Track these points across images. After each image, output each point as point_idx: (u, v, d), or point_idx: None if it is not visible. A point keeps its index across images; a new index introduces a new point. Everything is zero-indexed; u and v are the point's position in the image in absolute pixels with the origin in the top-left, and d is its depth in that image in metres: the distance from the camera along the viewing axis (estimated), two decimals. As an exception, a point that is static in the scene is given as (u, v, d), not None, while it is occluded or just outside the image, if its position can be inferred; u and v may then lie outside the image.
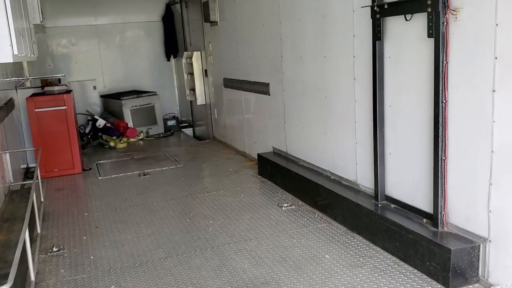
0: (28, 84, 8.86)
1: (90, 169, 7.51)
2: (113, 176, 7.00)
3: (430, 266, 3.42)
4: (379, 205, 4.17)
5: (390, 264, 3.71)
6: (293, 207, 5.11)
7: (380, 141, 4.12)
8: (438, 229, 3.55)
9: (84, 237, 4.73)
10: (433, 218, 3.59)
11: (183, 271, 3.86)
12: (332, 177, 5.03)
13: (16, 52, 3.36)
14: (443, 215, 3.54)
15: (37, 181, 5.03)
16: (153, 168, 7.21)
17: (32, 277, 3.73)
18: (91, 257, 4.26)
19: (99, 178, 6.96)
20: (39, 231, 4.70)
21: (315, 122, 5.26)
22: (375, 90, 4.06)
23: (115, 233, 4.79)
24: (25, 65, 9.71)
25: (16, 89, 7.68)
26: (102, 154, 8.60)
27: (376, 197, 4.24)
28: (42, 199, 5.68)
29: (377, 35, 3.96)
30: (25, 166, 7.32)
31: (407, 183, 3.94)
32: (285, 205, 5.16)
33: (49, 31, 9.97)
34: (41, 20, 7.32)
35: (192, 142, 9.45)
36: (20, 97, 7.58)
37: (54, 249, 4.45)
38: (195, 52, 9.06)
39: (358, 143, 4.54)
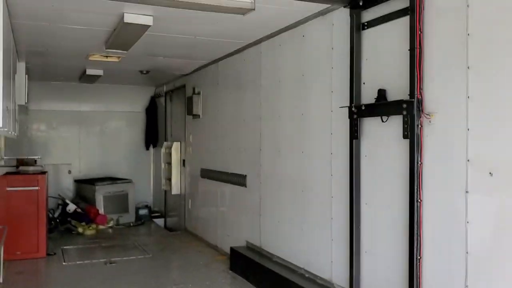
0: (2, 163, 8.74)
1: (55, 253, 7.19)
2: (78, 262, 6.71)
3: None
4: (354, 306, 4.06)
5: None
6: (264, 304, 4.93)
7: (356, 238, 4.12)
8: (414, 332, 3.44)
9: (40, 326, 4.41)
10: (410, 320, 3.50)
11: None
12: (307, 275, 4.92)
13: (0, 125, 3.37)
14: (420, 317, 3.45)
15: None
16: (120, 257, 6.95)
17: None
18: None
19: (63, 263, 6.65)
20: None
21: (291, 216, 5.25)
22: (352, 187, 4.14)
23: (73, 323, 4.49)
24: (1, 145, 9.65)
25: (-11, 167, 7.56)
26: (69, 239, 8.29)
27: (351, 296, 4.14)
28: (1, 280, 5.34)
29: (354, 134, 4.12)
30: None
31: (382, 283, 3.88)
32: (257, 302, 4.98)
33: (31, 113, 10.03)
34: (26, 102, 7.41)
35: (163, 232, 9.24)
36: (-6, 175, 7.42)
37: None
38: (175, 143, 9.19)
39: (334, 240, 4.52)
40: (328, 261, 4.59)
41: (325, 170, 4.62)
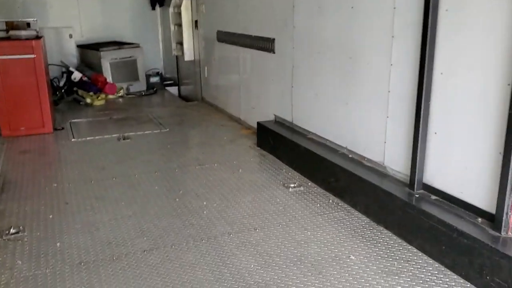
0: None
1: (63, 128, 6.57)
2: (88, 138, 6.09)
3: (492, 282, 2.69)
4: (416, 195, 3.41)
5: (434, 272, 2.97)
6: (301, 188, 4.33)
7: (424, 116, 3.31)
8: (501, 233, 2.81)
9: (51, 216, 3.87)
10: (495, 219, 2.84)
11: (172, 270, 3.06)
12: (350, 156, 4.23)
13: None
14: (510, 216, 2.79)
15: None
16: (134, 131, 6.30)
17: (-23, 273, 2.90)
18: (58, 243, 3.42)
19: (72, 140, 6.03)
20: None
21: (333, 88, 4.41)
22: (424, 52, 3.22)
23: (88, 212, 3.94)
24: (-10, 5, 8.57)
25: (-24, 32, 6.62)
26: (77, 111, 7.64)
27: (411, 184, 3.47)
28: (-1, 167, 4.75)
29: (434, -20, 3.09)
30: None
31: (457, 171, 3.16)
32: (292, 185, 4.38)
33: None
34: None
35: (178, 103, 8.52)
36: (-19, 41, 6.50)
37: (12, 230, 3.59)
38: (184, 0, 8.00)
39: (390, 117, 3.72)
40: (381, 141, 3.85)
41: (384, 30, 3.64)
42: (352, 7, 3.99)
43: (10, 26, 6.77)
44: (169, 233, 3.55)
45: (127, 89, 8.87)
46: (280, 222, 3.67)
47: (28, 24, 7.09)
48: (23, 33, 6.36)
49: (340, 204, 3.97)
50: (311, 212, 3.84)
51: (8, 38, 6.33)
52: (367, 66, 3.92)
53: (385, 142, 3.82)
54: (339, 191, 4.07)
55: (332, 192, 4.16)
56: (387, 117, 3.75)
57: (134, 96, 8.79)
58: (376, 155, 3.93)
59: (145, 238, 3.49)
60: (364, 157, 4.08)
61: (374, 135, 3.92)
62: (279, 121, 5.50)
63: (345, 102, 4.24)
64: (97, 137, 6.11)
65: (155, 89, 9.19)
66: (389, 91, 3.70)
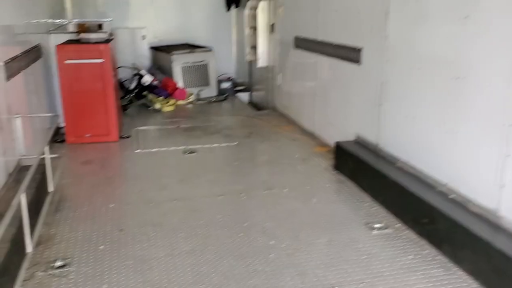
0: (71, 28, 7.67)
1: (129, 137, 6.27)
2: (153, 150, 5.72)
3: None
4: (546, 263, 2.64)
5: None
6: (388, 230, 3.63)
7: None
8: None
9: (102, 247, 3.47)
10: None
11: (231, 338, 2.52)
12: (452, 196, 3.49)
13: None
14: None
15: (42, 156, 3.72)
16: (201, 144, 5.87)
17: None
18: (104, 286, 2.99)
19: (137, 151, 5.69)
20: (29, 249, 3.31)
21: (433, 111, 3.68)
22: None
23: (143, 244, 3.50)
24: (68, 5, 8.54)
25: (49, 34, 6.48)
26: (145, 117, 7.35)
27: (538, 247, 2.70)
28: (52, 188, 4.39)
29: None
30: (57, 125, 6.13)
31: None
32: (377, 225, 3.69)
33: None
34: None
35: (248, 111, 7.96)
36: (54, 43, 6.34)
37: (58, 263, 3.23)
38: (261, 2, 7.47)
39: (511, 156, 2.95)
40: (495, 183, 3.09)
41: (507, 47, 2.88)
42: (466, 17, 3.24)
43: (82, 28, 6.58)
44: (230, 282, 3.01)
45: (198, 94, 8.50)
46: (363, 279, 3.02)
47: (100, 26, 6.89)
48: (93, 36, 6.12)
49: (437, 257, 3.24)
50: (401, 266, 3.15)
51: (78, 41, 6.13)
52: (480, 90, 3.16)
53: (500, 186, 3.05)
54: (436, 239, 3.35)
55: (427, 239, 3.43)
56: (507, 155, 2.98)
57: (204, 102, 8.40)
58: (488, 200, 3.16)
59: (202, 285, 2.98)
60: (469, 200, 3.33)
61: (486, 175, 3.16)
62: (361, 142, 4.81)
63: (447, 129, 3.50)
64: (162, 149, 5.73)
65: (226, 95, 8.76)
66: (509, 125, 2.93)
